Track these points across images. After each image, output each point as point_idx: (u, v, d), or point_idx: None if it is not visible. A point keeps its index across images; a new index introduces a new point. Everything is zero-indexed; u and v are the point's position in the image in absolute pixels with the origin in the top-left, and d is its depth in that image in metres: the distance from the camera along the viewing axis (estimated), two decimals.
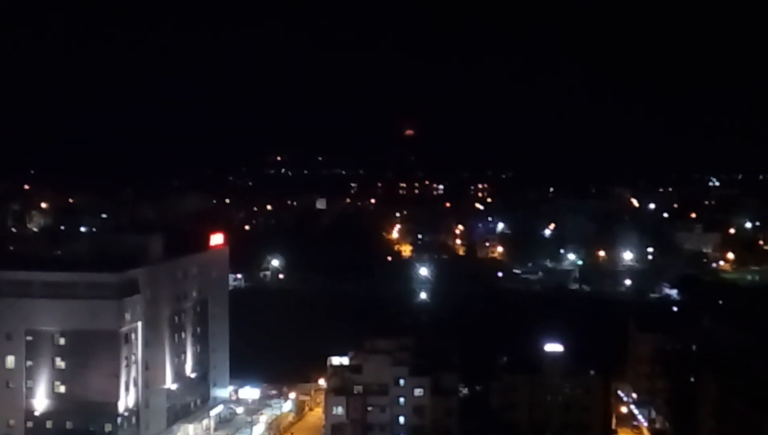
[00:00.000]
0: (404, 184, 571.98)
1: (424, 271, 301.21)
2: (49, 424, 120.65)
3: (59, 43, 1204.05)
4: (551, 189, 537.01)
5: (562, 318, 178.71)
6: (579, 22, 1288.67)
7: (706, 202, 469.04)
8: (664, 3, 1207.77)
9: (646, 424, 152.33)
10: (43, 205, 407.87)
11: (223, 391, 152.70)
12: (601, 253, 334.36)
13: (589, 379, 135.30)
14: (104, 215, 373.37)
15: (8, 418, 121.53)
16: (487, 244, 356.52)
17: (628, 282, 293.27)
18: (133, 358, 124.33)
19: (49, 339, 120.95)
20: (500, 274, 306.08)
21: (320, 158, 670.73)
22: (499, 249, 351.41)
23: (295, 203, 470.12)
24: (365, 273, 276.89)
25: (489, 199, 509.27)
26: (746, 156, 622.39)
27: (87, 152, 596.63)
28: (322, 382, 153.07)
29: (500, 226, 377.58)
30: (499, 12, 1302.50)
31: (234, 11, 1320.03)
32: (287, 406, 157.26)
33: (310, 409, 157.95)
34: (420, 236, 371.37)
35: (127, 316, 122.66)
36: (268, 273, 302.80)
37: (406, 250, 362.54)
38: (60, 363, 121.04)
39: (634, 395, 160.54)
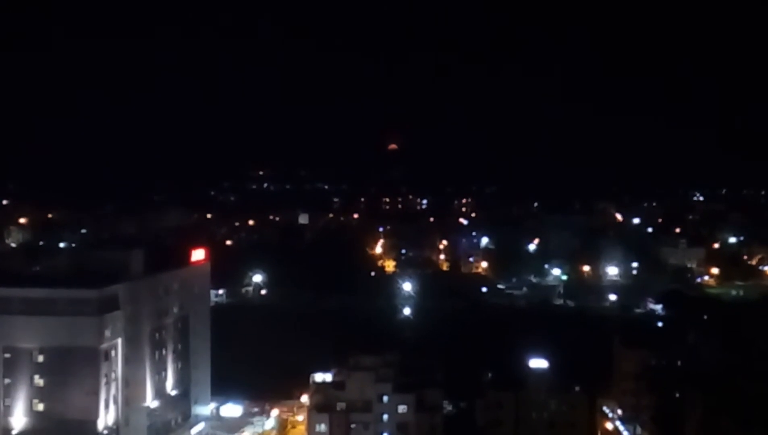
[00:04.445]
0: (387, 199, 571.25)
1: (407, 287, 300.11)
2: None
3: (38, 57, 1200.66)
4: (535, 204, 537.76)
5: (547, 334, 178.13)
6: (563, 33, 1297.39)
7: (690, 217, 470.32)
8: (649, 15, 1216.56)
9: None
10: (22, 220, 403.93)
11: (205, 409, 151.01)
12: (586, 268, 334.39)
13: (574, 395, 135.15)
14: (84, 230, 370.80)
15: None
16: (471, 259, 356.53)
17: (612, 297, 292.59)
18: (113, 375, 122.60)
19: (28, 356, 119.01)
20: (484, 290, 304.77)
21: (303, 173, 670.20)
22: (484, 264, 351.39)
23: (277, 218, 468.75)
24: (348, 288, 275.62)
25: (473, 214, 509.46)
26: (730, 171, 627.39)
27: (67, 167, 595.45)
28: (304, 398, 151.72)
29: (484, 241, 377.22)
30: (484, 23, 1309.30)
31: (217, 26, 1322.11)
32: (270, 423, 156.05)
33: (293, 427, 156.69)
34: (403, 251, 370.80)
35: (107, 333, 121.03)
36: (250, 289, 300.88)
37: (390, 265, 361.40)
38: (38, 380, 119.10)
39: (620, 411, 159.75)
